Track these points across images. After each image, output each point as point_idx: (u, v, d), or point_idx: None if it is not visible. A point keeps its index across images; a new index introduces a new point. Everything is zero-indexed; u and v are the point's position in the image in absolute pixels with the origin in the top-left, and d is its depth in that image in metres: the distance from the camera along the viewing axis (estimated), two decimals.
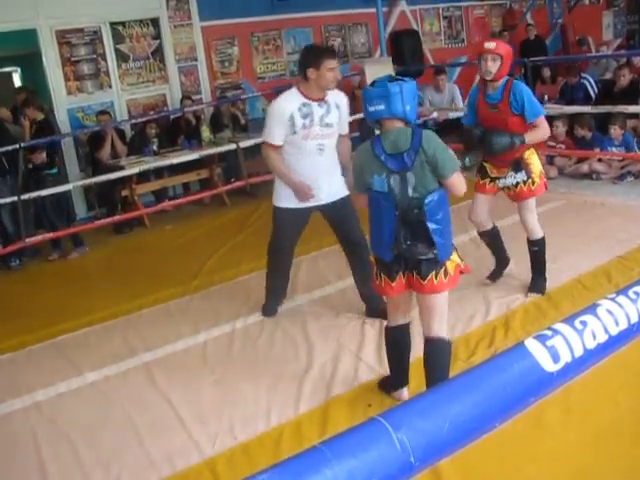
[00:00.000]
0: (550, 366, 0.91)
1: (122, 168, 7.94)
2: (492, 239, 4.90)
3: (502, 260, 4.96)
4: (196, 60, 9.85)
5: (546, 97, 9.52)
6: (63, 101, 8.92)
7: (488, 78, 4.32)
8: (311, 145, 4.36)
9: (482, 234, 4.90)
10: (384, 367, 3.94)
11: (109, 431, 3.74)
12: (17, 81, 11.62)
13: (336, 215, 4.61)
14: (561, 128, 7.85)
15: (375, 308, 4.62)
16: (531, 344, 0.92)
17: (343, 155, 4.71)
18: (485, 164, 4.63)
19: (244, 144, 8.17)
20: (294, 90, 4.39)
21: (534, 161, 4.49)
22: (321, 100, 4.34)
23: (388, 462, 0.72)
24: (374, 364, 4.02)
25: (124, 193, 8.25)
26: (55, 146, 7.56)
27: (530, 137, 4.30)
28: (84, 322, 5.25)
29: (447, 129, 9.22)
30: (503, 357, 0.92)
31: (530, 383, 0.90)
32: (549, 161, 7.88)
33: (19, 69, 11.31)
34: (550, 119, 8.11)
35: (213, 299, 5.29)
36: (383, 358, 4.04)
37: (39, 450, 3.61)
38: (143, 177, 8.23)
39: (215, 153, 8.46)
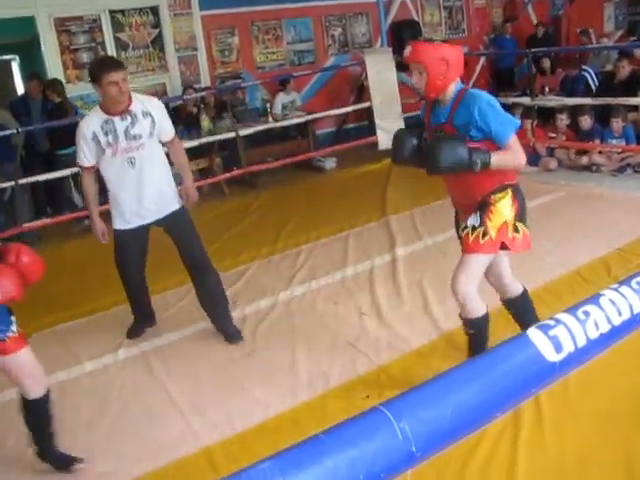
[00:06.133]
0: (552, 356, 0.90)
1: None
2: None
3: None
4: (196, 49, 9.81)
5: (547, 89, 9.50)
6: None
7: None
8: (120, 160, 4.12)
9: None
10: (381, 359, 3.94)
11: (107, 420, 3.74)
12: (16, 69, 11.57)
13: (172, 231, 4.37)
14: (565, 120, 7.83)
15: (230, 333, 4.46)
16: (533, 334, 0.91)
17: (177, 163, 4.50)
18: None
19: (244, 133, 8.18)
20: (97, 108, 4.20)
21: (501, 209, 3.15)
22: (123, 113, 4.09)
23: (390, 451, 0.72)
24: (372, 356, 4.01)
25: None
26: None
27: (498, 159, 3.03)
28: (85, 310, 5.24)
29: None
30: (505, 347, 0.91)
31: (532, 373, 0.89)
32: (549, 153, 7.87)
33: (18, 57, 11.26)
34: (552, 111, 8.13)
35: None
36: (381, 350, 4.05)
37: None
38: None
39: (215, 142, 8.45)
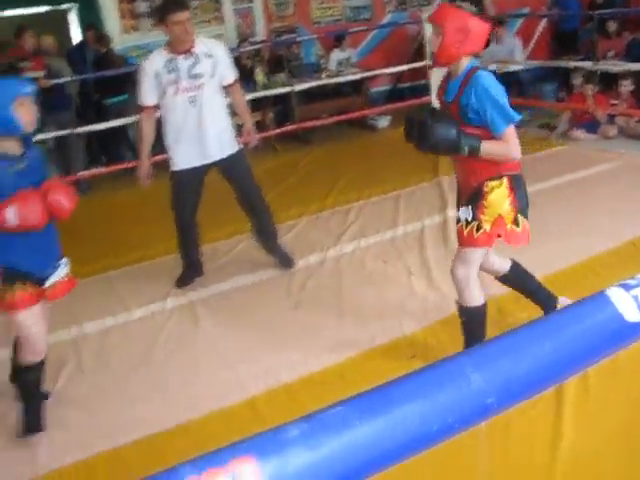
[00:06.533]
0: (633, 316, 0.86)
1: None
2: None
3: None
4: (252, 2, 9.72)
5: (610, 53, 9.20)
6: (118, 39, 8.91)
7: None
8: (182, 99, 4.28)
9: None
10: (428, 320, 3.90)
11: (152, 367, 3.80)
12: (73, 18, 11.61)
13: (228, 172, 4.54)
14: (628, 86, 7.58)
15: (285, 262, 4.80)
16: (613, 292, 0.87)
17: (237, 106, 4.70)
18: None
19: (299, 88, 8.13)
20: (160, 49, 4.38)
21: (494, 201, 3.05)
22: (186, 52, 4.26)
23: (463, 403, 0.69)
24: (419, 316, 3.98)
25: None
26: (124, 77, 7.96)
27: (488, 148, 2.94)
28: (134, 258, 5.32)
29: (504, 83, 8.97)
30: (583, 305, 0.87)
31: (610, 333, 0.85)
32: (610, 120, 7.64)
33: (75, 6, 11.28)
34: (616, 76, 7.86)
35: None
36: (428, 311, 4.01)
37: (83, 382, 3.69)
38: None
39: (269, 96, 8.41)
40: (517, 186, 3.08)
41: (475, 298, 3.24)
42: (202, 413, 3.29)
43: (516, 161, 3.09)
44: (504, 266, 3.48)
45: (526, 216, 3.11)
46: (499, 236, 3.09)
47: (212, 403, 3.35)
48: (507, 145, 2.95)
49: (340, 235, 5.34)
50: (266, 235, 4.80)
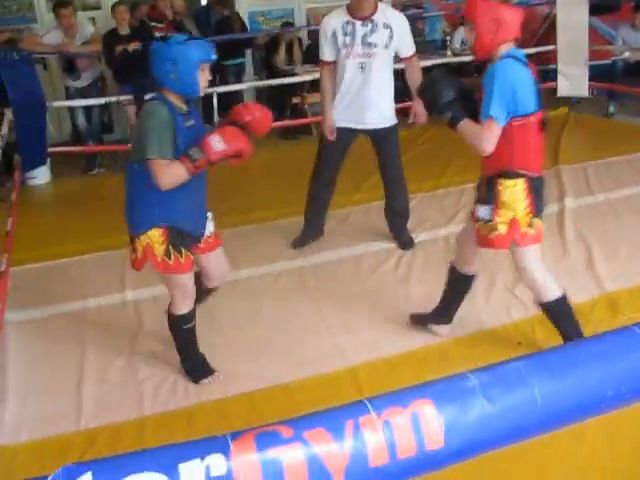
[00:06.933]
0: None
1: (296, 75, 8.04)
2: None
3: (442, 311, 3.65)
4: None
5: None
6: (245, 4, 9.02)
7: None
8: (352, 63, 4.31)
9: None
10: (537, 308, 3.81)
11: (257, 327, 3.87)
12: None
13: (378, 143, 4.58)
14: None
15: (404, 241, 4.75)
16: None
17: (411, 79, 4.57)
18: None
19: (420, 64, 8.01)
20: (342, 7, 4.39)
21: (509, 202, 3.01)
22: (366, 19, 4.27)
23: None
24: (528, 304, 3.89)
25: (295, 100, 8.33)
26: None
27: (466, 126, 2.95)
28: (253, 218, 5.43)
29: (631, 73, 8.54)
30: None
31: None
32: None
33: None
34: None
35: (371, 215, 5.28)
36: None
37: None
38: (315, 86, 8.29)
39: None
40: (536, 189, 3.05)
41: (548, 292, 3.20)
42: (303, 376, 3.33)
43: (538, 165, 3.06)
44: (474, 269, 3.46)
45: (540, 217, 3.09)
46: (514, 239, 3.06)
47: (313, 368, 3.40)
48: (480, 134, 2.90)
49: (453, 215, 5.27)
50: (396, 214, 4.81)
